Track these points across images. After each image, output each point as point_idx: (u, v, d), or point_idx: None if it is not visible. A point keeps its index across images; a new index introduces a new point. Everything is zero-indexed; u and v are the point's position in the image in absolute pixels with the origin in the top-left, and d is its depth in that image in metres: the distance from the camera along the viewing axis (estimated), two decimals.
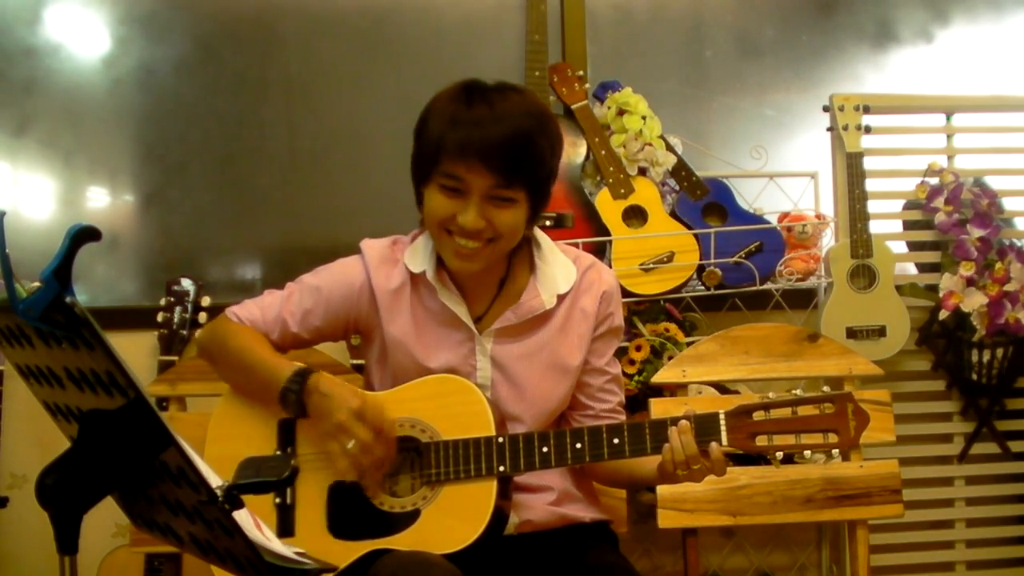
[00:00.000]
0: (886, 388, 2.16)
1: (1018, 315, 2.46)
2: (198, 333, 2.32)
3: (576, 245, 2.00)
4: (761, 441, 1.52)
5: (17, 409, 2.37)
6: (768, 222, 2.50)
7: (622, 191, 2.41)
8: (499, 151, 1.52)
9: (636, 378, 2.32)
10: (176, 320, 2.39)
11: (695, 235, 2.41)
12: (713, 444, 1.52)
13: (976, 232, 2.49)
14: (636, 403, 2.24)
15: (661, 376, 2.15)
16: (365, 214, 2.65)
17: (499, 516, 1.57)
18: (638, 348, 2.36)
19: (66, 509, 0.97)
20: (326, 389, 1.57)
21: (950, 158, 2.63)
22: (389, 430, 1.57)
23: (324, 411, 1.56)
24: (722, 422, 1.53)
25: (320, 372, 1.61)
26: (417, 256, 1.69)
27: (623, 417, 1.78)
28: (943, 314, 2.50)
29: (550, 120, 1.62)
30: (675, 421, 1.54)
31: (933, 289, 2.52)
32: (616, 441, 1.56)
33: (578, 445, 1.57)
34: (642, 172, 2.45)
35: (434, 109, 1.59)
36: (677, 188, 2.49)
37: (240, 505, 0.95)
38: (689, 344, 2.31)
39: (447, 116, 1.55)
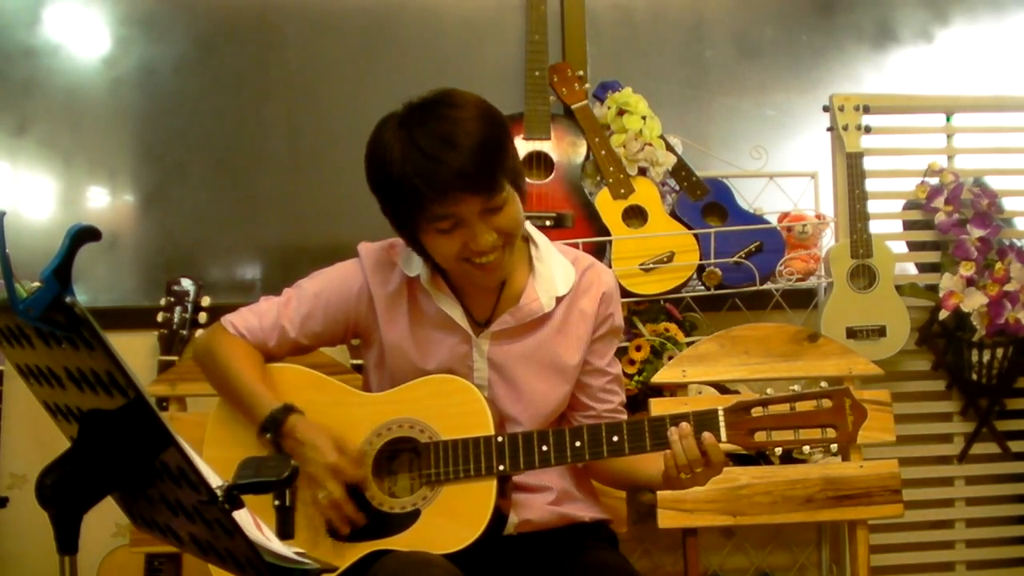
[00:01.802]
0: (886, 388, 2.16)
1: (1018, 315, 2.45)
2: (195, 338, 2.32)
3: (576, 245, 2.00)
4: (760, 437, 1.51)
5: (17, 409, 2.36)
6: (768, 222, 2.50)
7: (622, 191, 2.41)
8: (475, 173, 1.46)
9: (636, 378, 2.32)
10: (176, 320, 2.38)
11: (695, 235, 2.41)
12: (705, 433, 1.50)
13: (976, 232, 2.49)
14: (636, 403, 2.24)
15: (661, 376, 2.15)
16: (366, 214, 2.61)
17: (499, 516, 1.57)
18: (638, 348, 2.36)
19: (66, 509, 0.97)
20: (301, 436, 1.55)
21: (950, 158, 2.63)
22: (362, 485, 1.58)
23: (299, 457, 1.54)
24: (720, 419, 1.52)
25: (299, 415, 1.58)
26: (412, 260, 1.67)
27: (624, 417, 1.78)
28: (943, 314, 2.49)
29: (490, 107, 1.55)
30: (674, 419, 1.54)
31: (933, 289, 2.52)
32: (615, 439, 1.56)
33: (577, 443, 1.57)
34: (642, 172, 2.45)
35: (385, 156, 1.50)
36: (677, 188, 2.49)
37: (240, 505, 0.95)
38: (689, 344, 2.31)
39: (408, 163, 1.46)
